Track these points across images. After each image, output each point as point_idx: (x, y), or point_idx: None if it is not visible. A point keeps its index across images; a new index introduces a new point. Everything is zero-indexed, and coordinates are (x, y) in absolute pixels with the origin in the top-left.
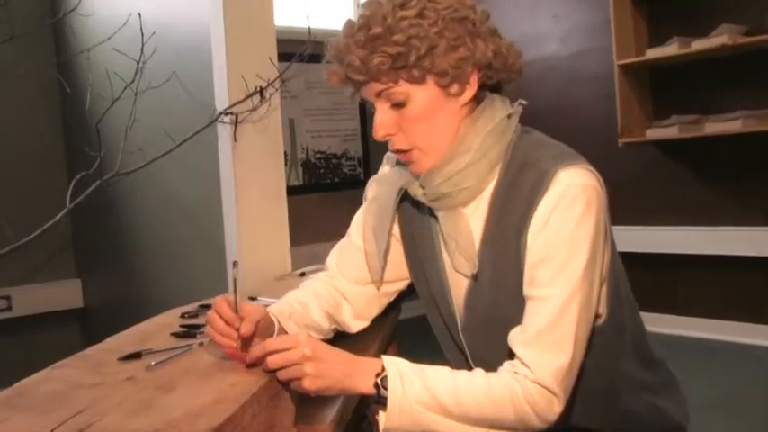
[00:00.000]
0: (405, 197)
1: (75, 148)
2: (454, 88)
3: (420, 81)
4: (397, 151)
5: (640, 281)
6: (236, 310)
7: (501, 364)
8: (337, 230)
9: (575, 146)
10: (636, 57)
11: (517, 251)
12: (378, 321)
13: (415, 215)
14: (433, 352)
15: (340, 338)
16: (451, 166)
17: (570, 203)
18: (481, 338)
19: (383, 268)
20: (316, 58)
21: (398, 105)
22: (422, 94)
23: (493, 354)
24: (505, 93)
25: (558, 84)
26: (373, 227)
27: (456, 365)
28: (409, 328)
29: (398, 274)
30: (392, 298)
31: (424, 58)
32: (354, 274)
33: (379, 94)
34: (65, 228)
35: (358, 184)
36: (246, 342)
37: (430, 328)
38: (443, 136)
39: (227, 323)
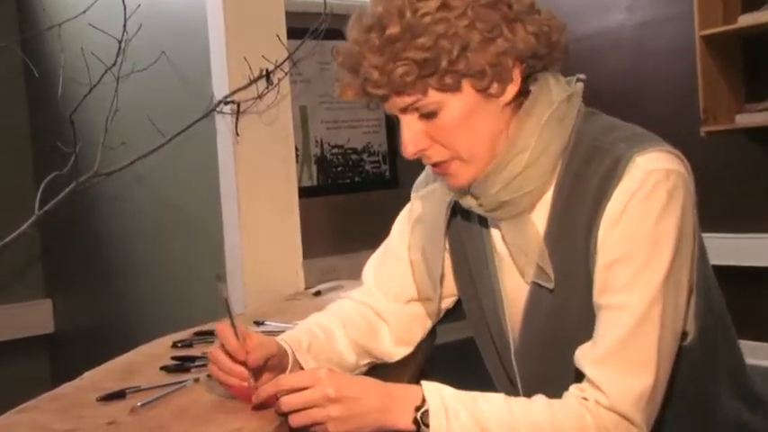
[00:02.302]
0: (453, 205)
1: (44, 143)
2: (494, 88)
3: (454, 89)
4: (434, 165)
5: (728, 300)
6: (236, 337)
7: (556, 397)
8: (359, 240)
9: None
10: (724, 25)
11: (586, 252)
12: None
13: (466, 226)
14: (475, 382)
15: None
16: (508, 169)
17: (650, 193)
18: (536, 364)
19: (440, 298)
20: (333, 33)
21: (429, 115)
22: (457, 101)
23: (547, 384)
24: (558, 69)
25: (625, 61)
26: (423, 248)
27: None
28: (446, 355)
29: (447, 290)
30: (439, 317)
31: (457, 60)
32: (395, 290)
33: (404, 109)
34: (32, 239)
35: (383, 185)
36: (255, 376)
37: (469, 356)
38: (486, 142)
39: (231, 357)
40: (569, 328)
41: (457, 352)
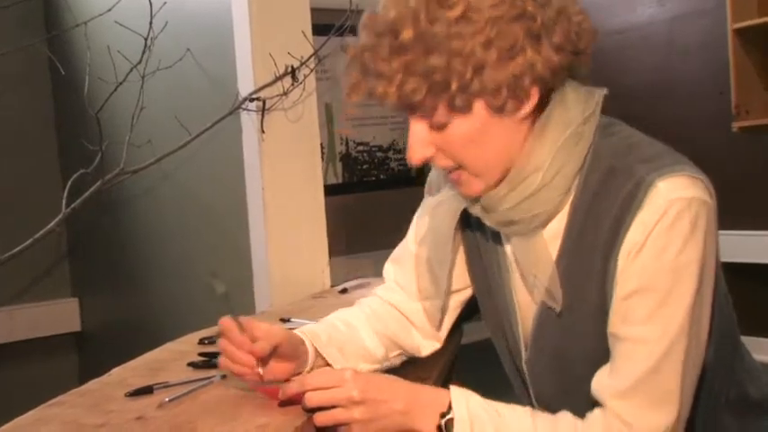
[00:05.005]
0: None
1: (70, 141)
2: (509, 105)
3: (464, 110)
4: (443, 168)
5: (758, 298)
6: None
7: (564, 408)
8: (384, 238)
9: (676, 132)
10: (759, 17)
11: (602, 279)
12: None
13: (480, 229)
14: (501, 381)
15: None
16: (519, 190)
17: (672, 223)
18: (545, 375)
19: (443, 314)
20: (358, 30)
21: (438, 127)
22: (467, 118)
23: (557, 394)
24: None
25: (655, 56)
26: (427, 259)
27: (519, 398)
28: (473, 354)
29: (466, 281)
30: (461, 309)
31: (470, 82)
32: (415, 289)
33: (413, 112)
34: (59, 237)
35: (408, 183)
36: (264, 363)
37: (494, 356)
38: (498, 156)
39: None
40: (577, 348)
41: (488, 350)
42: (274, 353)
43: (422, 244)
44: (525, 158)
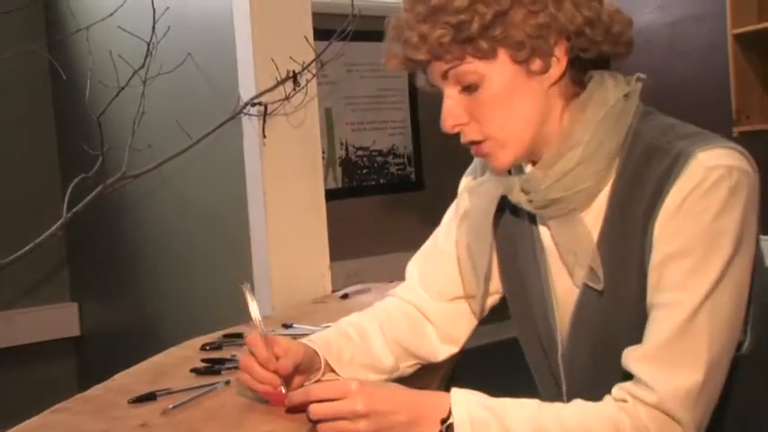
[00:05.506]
0: (502, 200)
1: (71, 145)
2: (536, 64)
3: (489, 55)
4: (470, 143)
5: None
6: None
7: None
8: (384, 242)
9: None
10: (759, 23)
11: (641, 252)
12: None
13: (515, 222)
14: (508, 386)
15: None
16: (560, 165)
17: (710, 189)
18: (583, 367)
19: (484, 297)
20: (359, 35)
21: (470, 88)
22: (497, 74)
23: (593, 387)
24: (614, 67)
25: (656, 60)
26: (468, 245)
27: (548, 399)
28: (474, 358)
29: (492, 287)
30: (484, 315)
31: (492, 26)
32: (439, 287)
33: (445, 75)
34: (59, 242)
35: (408, 187)
36: (286, 381)
37: (496, 361)
38: (525, 124)
39: (262, 365)
40: (619, 331)
41: (490, 355)
42: (295, 370)
43: (461, 227)
44: (566, 134)
